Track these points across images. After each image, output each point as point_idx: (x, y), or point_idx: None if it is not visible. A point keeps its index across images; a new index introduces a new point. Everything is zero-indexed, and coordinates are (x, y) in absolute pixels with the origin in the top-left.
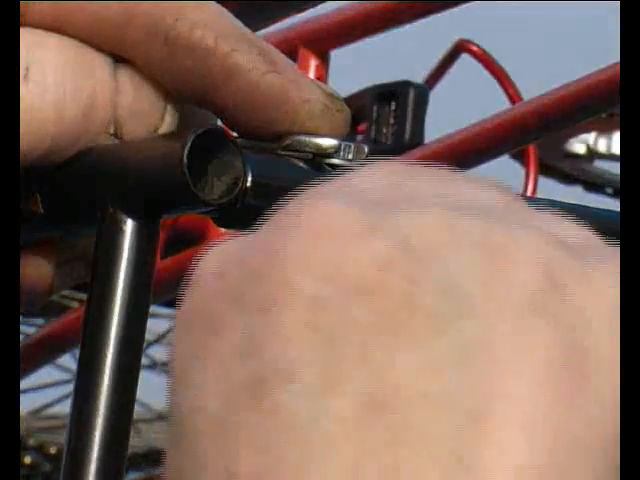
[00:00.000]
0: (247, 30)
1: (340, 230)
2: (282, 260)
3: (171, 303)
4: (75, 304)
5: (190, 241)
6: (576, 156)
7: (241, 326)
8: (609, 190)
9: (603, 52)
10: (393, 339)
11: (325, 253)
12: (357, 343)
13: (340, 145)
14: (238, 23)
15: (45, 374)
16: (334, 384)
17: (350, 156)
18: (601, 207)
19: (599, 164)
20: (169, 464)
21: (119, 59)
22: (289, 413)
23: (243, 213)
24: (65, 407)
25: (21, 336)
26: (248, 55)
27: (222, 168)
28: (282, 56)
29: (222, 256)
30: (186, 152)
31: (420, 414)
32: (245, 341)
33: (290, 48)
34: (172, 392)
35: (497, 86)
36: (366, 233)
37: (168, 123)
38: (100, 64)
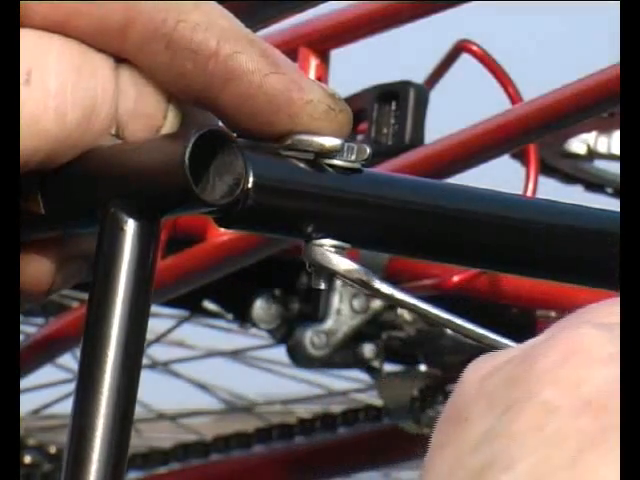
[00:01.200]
0: (248, 31)
1: (588, 352)
2: (534, 371)
3: (171, 303)
4: (75, 304)
5: (190, 241)
6: (576, 156)
7: (485, 421)
8: (609, 190)
9: (602, 53)
10: (601, 450)
11: (570, 370)
12: (572, 448)
13: (343, 145)
14: (239, 24)
15: (45, 374)
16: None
17: (353, 157)
18: (601, 207)
19: (599, 164)
20: None
21: (121, 59)
22: None
23: (244, 213)
24: (65, 407)
25: (21, 336)
26: (250, 56)
27: (223, 168)
28: (284, 57)
29: (490, 362)
30: (187, 153)
31: None
32: (483, 434)
33: (290, 48)
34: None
35: (497, 86)
36: (608, 359)
37: (170, 123)
38: (102, 66)
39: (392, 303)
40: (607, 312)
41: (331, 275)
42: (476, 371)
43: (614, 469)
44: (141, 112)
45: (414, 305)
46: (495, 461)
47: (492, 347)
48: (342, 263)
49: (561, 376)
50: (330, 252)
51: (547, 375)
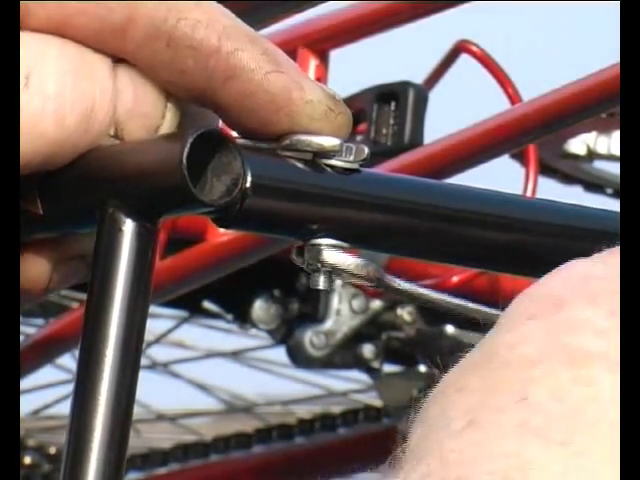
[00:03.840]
0: (249, 29)
1: None
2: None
3: (171, 303)
4: (75, 304)
5: (190, 241)
6: (576, 156)
7: (587, 313)
8: (609, 190)
9: (602, 53)
10: None
11: None
12: None
13: (342, 146)
14: (240, 22)
15: (45, 375)
16: None
17: (351, 157)
18: (601, 207)
19: (599, 164)
20: (452, 382)
21: (118, 60)
22: (596, 386)
23: (242, 213)
24: (65, 407)
25: (21, 336)
26: (251, 54)
27: (221, 169)
28: (285, 56)
29: (588, 268)
30: (185, 153)
31: None
32: (580, 322)
33: (290, 48)
34: (492, 334)
35: (497, 86)
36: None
37: (169, 122)
38: (100, 67)
39: (400, 296)
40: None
41: (337, 274)
42: (575, 271)
43: None
44: (139, 112)
45: (428, 296)
46: (605, 356)
47: None
48: (349, 261)
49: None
50: (334, 250)
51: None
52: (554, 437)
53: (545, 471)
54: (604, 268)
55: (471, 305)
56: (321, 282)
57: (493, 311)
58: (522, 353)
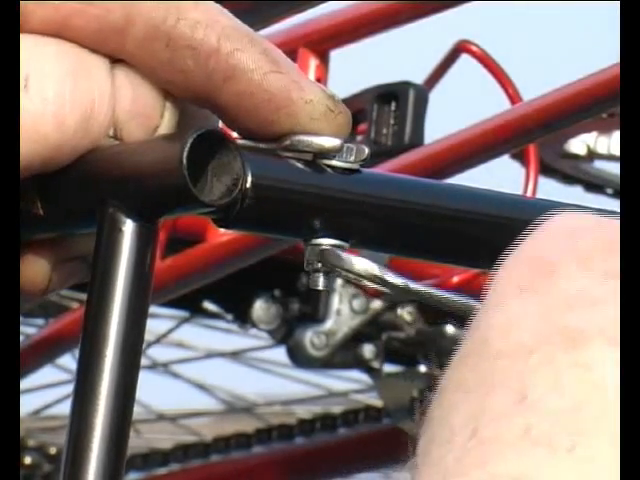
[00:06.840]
0: (249, 29)
1: None
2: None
3: (171, 304)
4: (75, 304)
5: (190, 241)
6: (576, 156)
7: (579, 282)
8: (609, 190)
9: (603, 52)
10: None
11: None
12: None
13: (342, 146)
14: (239, 22)
15: (45, 375)
16: None
17: (352, 158)
18: (601, 207)
19: (599, 164)
20: (452, 378)
21: (115, 60)
22: (597, 370)
23: (243, 214)
24: (65, 408)
25: (21, 336)
26: (251, 55)
27: (221, 169)
28: (284, 56)
29: (577, 222)
30: (185, 153)
31: None
32: (579, 295)
33: (290, 48)
34: (484, 314)
35: (497, 86)
36: None
37: (168, 121)
38: (98, 68)
39: (406, 295)
40: None
41: (338, 273)
42: (563, 226)
43: None
44: (138, 112)
45: (430, 294)
46: (603, 331)
47: None
48: (350, 260)
49: None
50: (335, 250)
51: None
52: (559, 443)
53: None
54: (591, 221)
55: (475, 304)
56: (321, 282)
57: None
58: (517, 341)
